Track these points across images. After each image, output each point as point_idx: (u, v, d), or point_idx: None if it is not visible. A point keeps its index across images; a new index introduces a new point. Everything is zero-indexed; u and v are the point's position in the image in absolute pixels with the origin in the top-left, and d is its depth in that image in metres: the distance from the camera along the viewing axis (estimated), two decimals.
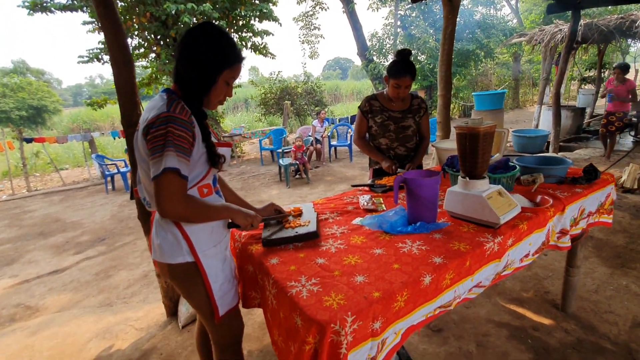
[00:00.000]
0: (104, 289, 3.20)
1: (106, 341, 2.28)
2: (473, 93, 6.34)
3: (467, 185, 1.41)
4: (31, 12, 7.10)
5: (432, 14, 12.71)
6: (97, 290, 3.19)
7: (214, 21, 7.57)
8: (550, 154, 5.76)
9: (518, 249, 1.41)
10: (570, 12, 5.56)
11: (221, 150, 1.28)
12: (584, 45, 8.30)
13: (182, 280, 1.26)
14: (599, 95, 6.58)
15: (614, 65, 5.92)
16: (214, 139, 1.27)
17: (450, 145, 2.38)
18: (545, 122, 7.34)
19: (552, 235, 1.62)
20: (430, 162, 5.45)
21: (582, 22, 6.60)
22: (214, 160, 1.22)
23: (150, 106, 1.16)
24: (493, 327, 2.11)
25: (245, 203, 1.53)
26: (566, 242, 1.66)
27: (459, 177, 1.46)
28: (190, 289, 1.27)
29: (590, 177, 1.80)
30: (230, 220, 1.32)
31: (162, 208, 1.09)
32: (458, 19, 3.94)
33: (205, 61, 1.15)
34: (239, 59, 1.21)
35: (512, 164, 1.77)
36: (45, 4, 7.05)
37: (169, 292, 2.43)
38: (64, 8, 7.19)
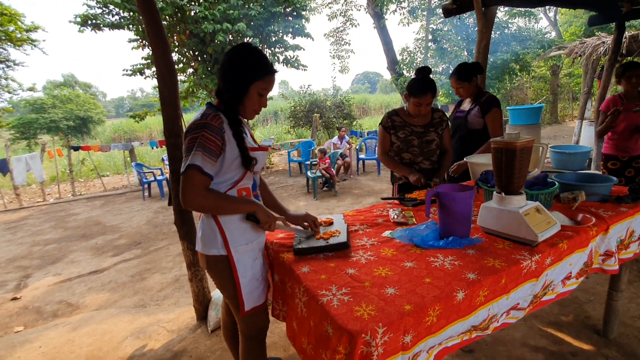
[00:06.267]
0: (139, 291, 3.34)
1: (140, 340, 2.37)
2: (508, 107, 6.15)
3: (502, 201, 1.38)
4: (81, 28, 7.70)
5: (465, 27, 12.57)
6: (132, 292, 3.34)
7: (247, 39, 7.90)
8: (593, 171, 5.45)
9: (558, 269, 1.35)
10: (613, 24, 5.32)
11: (256, 154, 1.39)
12: (629, 58, 7.90)
13: (215, 271, 1.38)
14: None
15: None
16: (253, 144, 1.40)
17: (484, 160, 2.33)
18: (586, 138, 6.97)
19: (596, 257, 1.54)
20: None
21: (626, 34, 6.29)
22: (247, 163, 1.33)
23: (193, 118, 1.32)
24: (528, 350, 2.01)
25: (281, 206, 1.61)
26: (612, 264, 1.57)
27: (494, 192, 1.43)
28: (223, 280, 1.39)
29: (636, 195, 1.70)
30: (250, 213, 1.37)
31: (183, 199, 1.23)
32: (493, 32, 3.88)
33: (237, 74, 1.30)
34: (270, 71, 1.33)
35: (551, 180, 1.71)
36: (95, 22, 7.64)
37: (199, 297, 2.51)
38: (112, 26, 7.77)
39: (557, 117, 15.50)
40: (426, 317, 1.01)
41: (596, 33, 9.22)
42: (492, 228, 1.41)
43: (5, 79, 9.64)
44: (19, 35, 9.27)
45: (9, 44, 9.30)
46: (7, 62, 9.56)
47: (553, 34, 17.11)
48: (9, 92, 9.57)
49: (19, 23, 9.15)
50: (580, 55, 7.62)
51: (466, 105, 2.69)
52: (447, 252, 1.32)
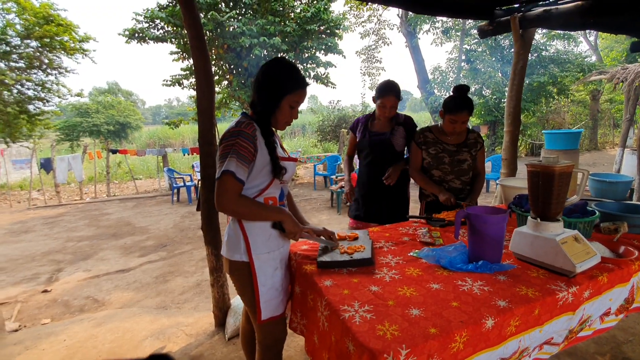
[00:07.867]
0: (161, 292, 3.42)
1: (159, 341, 2.41)
2: (544, 131, 5.93)
3: (538, 227, 1.32)
4: (129, 40, 8.25)
5: (499, 48, 12.37)
6: (155, 293, 3.42)
7: (282, 53, 8.15)
8: (635, 202, 5.11)
9: (596, 304, 1.26)
10: None
11: (286, 163, 1.43)
12: None
13: (237, 276, 1.42)
14: None
15: None
16: (282, 154, 1.44)
17: (517, 183, 2.25)
18: (628, 167, 6.58)
19: (638, 293, 1.43)
20: (492, 200, 5.14)
21: None
22: (276, 171, 1.37)
23: (229, 126, 1.38)
24: None
25: (302, 218, 1.62)
26: None
27: (529, 217, 1.37)
28: (243, 286, 1.42)
29: None
30: (277, 222, 1.40)
31: (217, 203, 1.28)
32: (530, 54, 3.81)
33: (269, 87, 1.37)
34: (301, 85, 1.39)
35: (591, 209, 1.62)
36: (141, 35, 8.17)
37: (219, 303, 2.53)
38: (156, 39, 8.25)
39: (596, 143, 14.76)
40: (452, 342, 0.97)
41: (638, 59, 8.82)
42: (525, 255, 1.35)
43: (57, 84, 10.39)
44: (72, 45, 9.99)
45: (62, 52, 10.04)
46: (59, 70, 10.31)
47: (593, 57, 16.49)
48: (59, 97, 10.28)
49: (73, 34, 9.89)
50: (622, 81, 7.30)
51: (379, 126, 2.42)
52: (476, 276, 1.27)
